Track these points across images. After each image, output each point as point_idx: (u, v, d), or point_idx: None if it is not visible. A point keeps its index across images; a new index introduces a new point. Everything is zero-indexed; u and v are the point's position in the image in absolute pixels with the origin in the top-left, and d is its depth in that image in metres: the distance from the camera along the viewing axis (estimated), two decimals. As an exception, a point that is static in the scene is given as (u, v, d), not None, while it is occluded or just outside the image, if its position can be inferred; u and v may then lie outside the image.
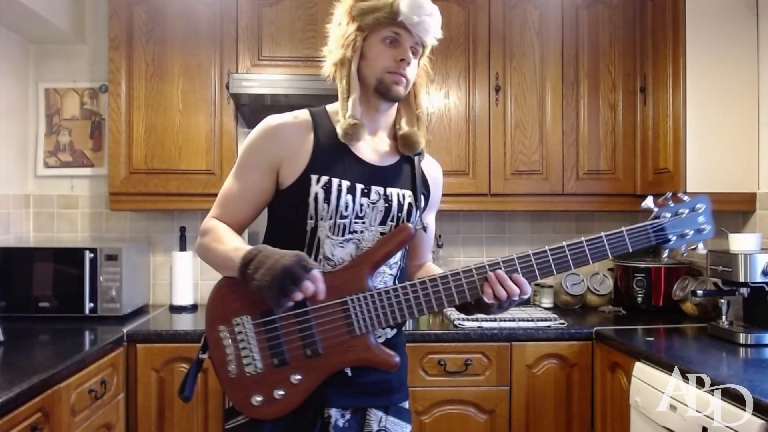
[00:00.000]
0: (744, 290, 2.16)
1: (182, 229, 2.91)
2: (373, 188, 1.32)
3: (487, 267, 1.25)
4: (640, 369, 1.97)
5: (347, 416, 1.31)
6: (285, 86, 2.48)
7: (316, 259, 1.29)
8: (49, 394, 1.69)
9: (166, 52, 2.62)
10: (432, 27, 1.35)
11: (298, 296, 1.16)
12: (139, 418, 2.29)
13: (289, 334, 1.24)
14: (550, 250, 1.26)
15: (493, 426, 2.34)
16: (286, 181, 1.32)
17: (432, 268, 1.55)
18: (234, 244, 1.28)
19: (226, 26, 2.63)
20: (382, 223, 1.32)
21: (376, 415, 1.33)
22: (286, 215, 1.33)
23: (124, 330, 2.30)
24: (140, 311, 2.74)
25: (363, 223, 1.31)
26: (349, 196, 1.30)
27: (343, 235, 1.30)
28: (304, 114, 1.37)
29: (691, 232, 1.30)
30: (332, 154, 1.32)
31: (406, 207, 1.35)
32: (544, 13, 2.72)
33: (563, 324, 2.44)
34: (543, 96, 2.72)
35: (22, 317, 2.45)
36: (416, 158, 1.42)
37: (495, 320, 2.45)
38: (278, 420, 1.26)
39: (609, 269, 2.97)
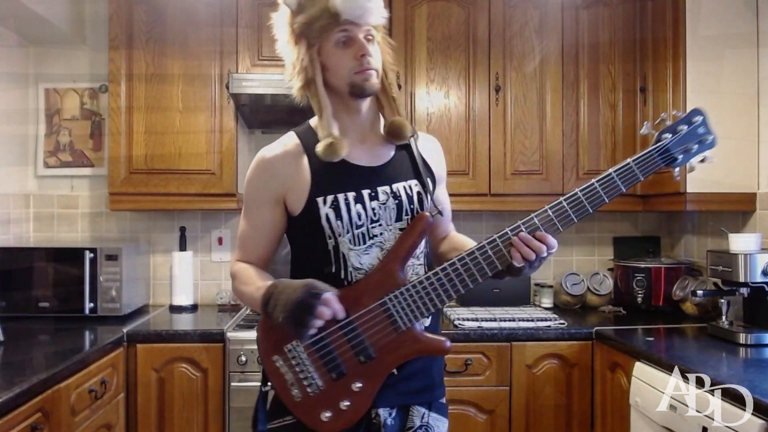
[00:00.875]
0: (744, 290, 2.16)
1: (182, 229, 2.91)
2: (379, 189, 1.33)
3: (509, 232, 1.27)
4: (640, 369, 1.97)
5: (393, 414, 1.33)
6: (285, 86, 2.46)
7: (346, 272, 1.31)
8: (49, 394, 1.69)
9: (166, 52, 2.62)
10: (375, 8, 1.30)
11: (317, 323, 1.20)
12: (139, 418, 2.29)
13: (340, 347, 1.27)
14: (565, 199, 1.27)
15: (493, 426, 2.34)
16: (294, 209, 1.34)
17: (457, 239, 1.52)
18: (257, 284, 1.31)
19: (226, 26, 2.63)
20: (398, 219, 1.34)
21: (419, 412, 1.35)
22: (306, 240, 1.36)
23: (124, 330, 2.30)
24: (140, 311, 2.74)
25: (380, 225, 1.32)
26: (359, 206, 1.31)
27: (364, 243, 1.32)
28: (291, 139, 1.38)
29: (695, 146, 1.29)
30: (330, 171, 1.32)
31: (416, 197, 1.35)
32: (544, 13, 2.72)
33: (563, 324, 2.44)
34: (543, 96, 2.72)
35: (22, 317, 2.45)
36: (412, 142, 1.41)
37: (495, 320, 2.45)
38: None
39: (609, 269, 2.97)
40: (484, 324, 2.40)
